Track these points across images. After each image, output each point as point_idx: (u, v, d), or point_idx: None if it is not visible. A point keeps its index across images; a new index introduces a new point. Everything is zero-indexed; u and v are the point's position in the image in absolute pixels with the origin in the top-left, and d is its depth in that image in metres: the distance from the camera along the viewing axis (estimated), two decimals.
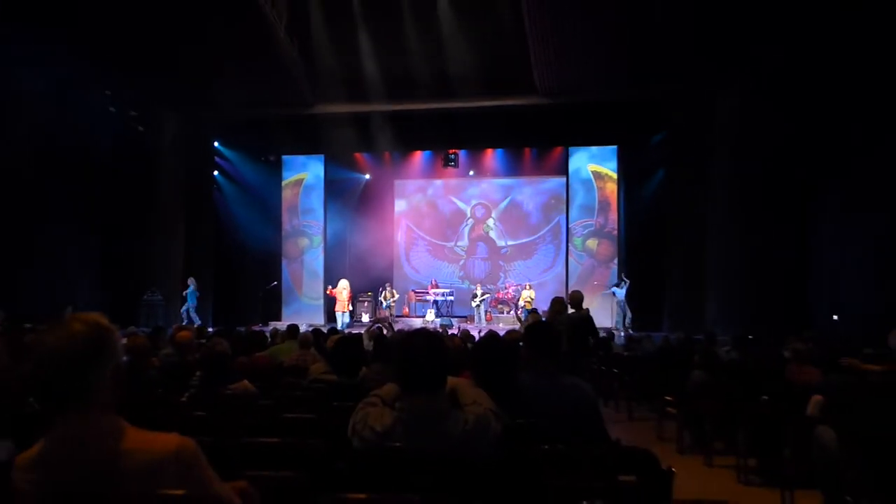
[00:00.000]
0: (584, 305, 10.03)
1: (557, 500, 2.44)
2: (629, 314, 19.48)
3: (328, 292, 20.32)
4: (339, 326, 18.55)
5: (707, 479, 6.59)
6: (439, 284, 21.94)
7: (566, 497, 2.05)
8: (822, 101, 15.24)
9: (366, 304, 21.92)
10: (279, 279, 22.25)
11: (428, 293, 21.69)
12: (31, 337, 6.97)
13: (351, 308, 20.24)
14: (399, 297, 22.22)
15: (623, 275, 19.89)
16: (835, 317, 14.86)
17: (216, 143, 21.58)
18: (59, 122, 17.05)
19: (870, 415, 4.71)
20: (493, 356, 3.74)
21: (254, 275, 21.86)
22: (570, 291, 12.68)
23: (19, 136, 16.36)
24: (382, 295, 21.55)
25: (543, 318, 10.71)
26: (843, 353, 7.81)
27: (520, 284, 21.38)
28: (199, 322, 17.43)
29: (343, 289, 19.79)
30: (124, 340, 7.91)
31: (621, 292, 19.55)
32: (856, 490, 4.72)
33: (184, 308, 18.99)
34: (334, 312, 19.96)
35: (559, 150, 22.14)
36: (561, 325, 9.04)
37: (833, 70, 14.65)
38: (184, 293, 19.10)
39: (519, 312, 19.01)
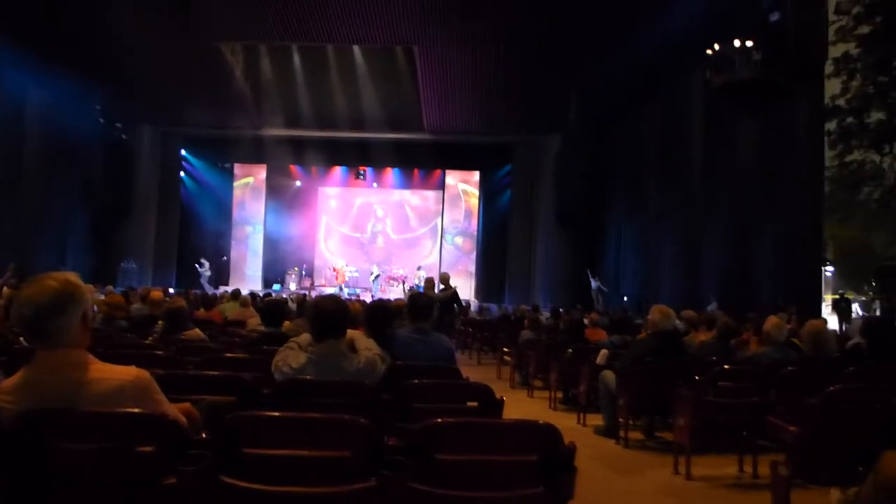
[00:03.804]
0: (451, 283, 10.10)
1: (423, 418, 2.44)
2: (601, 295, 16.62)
3: (333, 270, 20.75)
4: (339, 291, 18.68)
5: (529, 406, 6.77)
6: (347, 265, 21.55)
7: (429, 415, 2.07)
8: (612, 149, 16.35)
9: (293, 276, 21.23)
10: (228, 255, 21.44)
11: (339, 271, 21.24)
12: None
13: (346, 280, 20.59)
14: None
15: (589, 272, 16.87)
16: (625, 298, 15.54)
17: (183, 151, 20.70)
18: (61, 128, 16.19)
19: (635, 362, 4.93)
20: (379, 315, 3.70)
21: (209, 251, 20.70)
22: (441, 273, 12.71)
23: (31, 136, 15.79)
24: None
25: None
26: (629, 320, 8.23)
27: (408, 268, 21.18)
28: (213, 290, 15.86)
29: (342, 267, 20.71)
30: (103, 297, 7.40)
31: (595, 283, 16.60)
32: (625, 413, 4.97)
33: (202, 280, 18.85)
34: (339, 285, 20.21)
35: (438, 171, 22.19)
36: (434, 296, 9.07)
37: (617, 128, 16.32)
38: (200, 269, 19.08)
39: (412, 286, 18.72)
